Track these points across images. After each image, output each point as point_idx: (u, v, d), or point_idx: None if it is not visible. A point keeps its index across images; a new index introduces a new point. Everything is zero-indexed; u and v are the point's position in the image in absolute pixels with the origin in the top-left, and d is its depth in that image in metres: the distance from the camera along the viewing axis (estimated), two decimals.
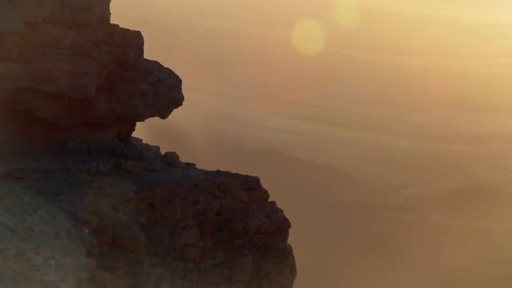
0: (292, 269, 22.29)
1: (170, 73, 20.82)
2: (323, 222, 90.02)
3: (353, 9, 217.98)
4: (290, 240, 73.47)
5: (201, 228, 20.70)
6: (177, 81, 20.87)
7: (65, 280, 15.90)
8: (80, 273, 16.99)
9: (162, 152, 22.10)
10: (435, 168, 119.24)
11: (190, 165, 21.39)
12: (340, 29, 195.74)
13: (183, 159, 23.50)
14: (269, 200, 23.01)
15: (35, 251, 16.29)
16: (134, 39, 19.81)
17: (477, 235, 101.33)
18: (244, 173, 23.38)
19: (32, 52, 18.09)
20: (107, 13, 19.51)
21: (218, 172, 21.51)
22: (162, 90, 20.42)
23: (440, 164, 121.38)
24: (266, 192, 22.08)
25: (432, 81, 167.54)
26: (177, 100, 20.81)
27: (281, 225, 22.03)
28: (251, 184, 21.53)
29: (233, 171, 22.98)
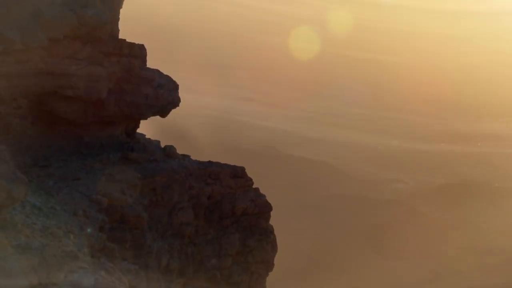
0: (273, 246, 23.55)
1: (169, 79, 22.13)
2: (319, 215, 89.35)
3: (346, 16, 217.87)
4: (287, 230, 74.40)
5: (195, 209, 21.90)
6: (175, 86, 22.17)
7: (81, 250, 16.94)
8: (94, 245, 18.13)
9: (162, 145, 23.10)
10: (424, 165, 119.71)
11: (185, 156, 22.54)
12: (333, 34, 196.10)
13: (193, 157, 24.16)
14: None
15: (57, 226, 17.24)
16: (138, 51, 21.16)
17: (465, 227, 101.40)
18: (246, 169, 24.16)
19: (55, 63, 19.18)
20: (116, 30, 20.92)
21: (209, 162, 22.74)
22: (162, 94, 21.68)
23: (429, 161, 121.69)
24: (250, 179, 23.30)
25: (422, 84, 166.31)
26: (174, 102, 22.18)
27: (264, 208, 23.27)
28: (238, 173, 22.85)
29: None
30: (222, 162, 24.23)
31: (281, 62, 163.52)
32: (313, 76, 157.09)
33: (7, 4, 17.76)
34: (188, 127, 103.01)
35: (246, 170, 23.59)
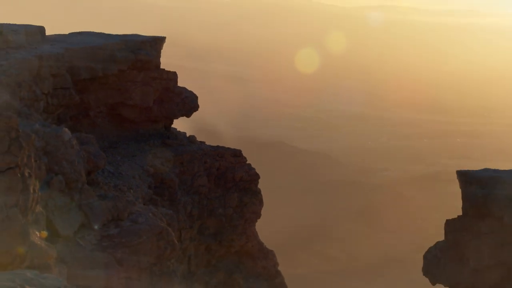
0: (260, 202, 25.14)
1: (191, 93, 24.41)
2: (319, 195, 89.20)
3: (340, 36, 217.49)
4: (292, 207, 77.68)
5: (208, 176, 23.85)
6: (195, 97, 24.43)
7: (138, 200, 19.36)
8: (145, 197, 20.35)
9: (188, 135, 24.74)
10: (409, 156, 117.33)
11: (202, 142, 24.32)
12: (330, 51, 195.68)
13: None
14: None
15: (123, 184, 19.75)
16: (172, 76, 23.53)
17: (443, 208, 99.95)
18: (259, 159, 26.02)
19: (122, 84, 22.22)
20: (159, 63, 23.05)
21: (218, 146, 24.49)
22: (187, 103, 24.13)
23: (413, 154, 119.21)
24: (245, 158, 24.81)
25: (406, 90, 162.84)
26: (195, 108, 24.41)
27: (254, 177, 25.00)
28: (237, 153, 24.67)
29: (251, 158, 25.32)
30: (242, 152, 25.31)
31: (288, 74, 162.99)
32: (315, 85, 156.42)
33: (95, 51, 20.82)
34: (216, 125, 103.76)
35: (259, 160, 22.91)
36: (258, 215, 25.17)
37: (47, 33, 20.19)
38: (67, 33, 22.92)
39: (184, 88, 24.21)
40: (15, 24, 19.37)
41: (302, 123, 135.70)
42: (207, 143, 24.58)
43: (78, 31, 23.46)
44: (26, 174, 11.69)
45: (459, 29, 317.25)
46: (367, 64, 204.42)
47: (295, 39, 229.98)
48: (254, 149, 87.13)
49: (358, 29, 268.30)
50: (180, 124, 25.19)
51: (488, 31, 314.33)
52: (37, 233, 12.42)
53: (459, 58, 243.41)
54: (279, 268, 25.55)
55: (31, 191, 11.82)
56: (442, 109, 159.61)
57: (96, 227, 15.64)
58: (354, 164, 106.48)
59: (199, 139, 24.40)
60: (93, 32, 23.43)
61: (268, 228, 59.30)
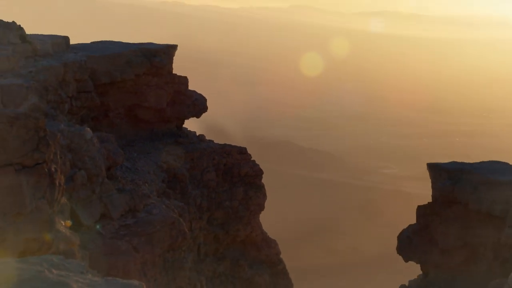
0: (264, 195, 25.34)
1: (201, 96, 24.70)
2: (323, 191, 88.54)
3: (343, 42, 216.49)
4: (298, 203, 77.10)
5: (216, 171, 24.14)
6: (205, 100, 24.70)
7: (152, 193, 19.68)
8: (158, 190, 20.76)
9: (197, 134, 24.93)
10: (409, 155, 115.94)
11: (210, 141, 24.61)
12: (333, 56, 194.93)
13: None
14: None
15: (139, 179, 19.91)
16: (183, 80, 23.82)
17: None
18: (266, 157, 26.77)
19: (138, 88, 22.55)
20: (171, 68, 23.49)
21: (225, 144, 24.87)
22: (197, 104, 24.33)
23: (413, 153, 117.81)
24: (250, 155, 25.05)
25: (406, 92, 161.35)
26: (204, 109, 24.62)
27: (258, 172, 25.25)
28: (242, 151, 25.00)
29: (258, 157, 25.75)
30: (250, 150, 25.41)
31: (293, 77, 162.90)
32: (319, 87, 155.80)
33: (114, 58, 21.25)
34: (225, 125, 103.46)
35: (267, 158, 23.96)
36: (261, 207, 25.53)
37: (71, 42, 21.38)
38: (89, 42, 23.40)
39: (194, 91, 24.65)
40: (42, 35, 20.10)
41: (307, 123, 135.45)
42: (217, 142, 24.80)
43: (98, 40, 23.98)
44: (53, 169, 12.09)
45: (458, 34, 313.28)
46: (368, 68, 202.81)
47: (300, 44, 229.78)
48: (262, 148, 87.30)
49: (360, 34, 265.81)
50: (190, 124, 25.38)
51: (487, 36, 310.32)
52: (62, 222, 12.83)
53: (458, 61, 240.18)
54: (287, 260, 26.19)
55: (57, 184, 12.24)
56: (442, 110, 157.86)
57: (115, 217, 16.09)
58: (356, 162, 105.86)
59: (209, 138, 24.81)
60: (112, 41, 23.78)
61: (275, 222, 59.41)
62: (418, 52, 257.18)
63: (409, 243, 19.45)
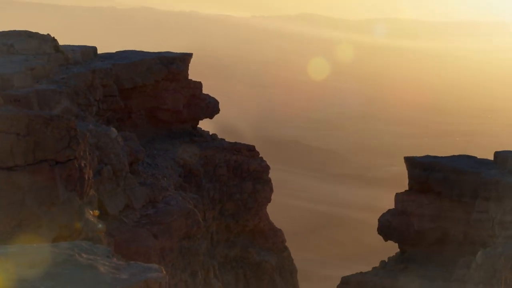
0: (271, 189, 25.85)
1: (214, 99, 25.44)
2: (329, 187, 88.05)
3: (348, 48, 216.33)
4: (306, 198, 76.44)
5: (227, 167, 24.56)
6: (217, 102, 25.48)
7: (170, 186, 20.14)
8: (175, 184, 21.22)
9: (210, 133, 25.55)
10: (411, 153, 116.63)
11: (222, 139, 25.23)
12: (339, 61, 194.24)
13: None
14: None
15: (158, 173, 20.37)
16: (198, 85, 24.56)
17: None
18: (276, 156, 26.16)
19: (157, 92, 23.25)
20: (187, 74, 24.20)
21: (235, 142, 25.37)
22: (210, 107, 25.11)
23: (414, 152, 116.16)
24: (258, 152, 25.53)
25: (408, 93, 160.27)
26: (216, 111, 25.47)
27: (265, 168, 25.67)
28: (251, 148, 25.53)
29: (268, 155, 25.76)
30: (260, 149, 25.65)
31: (302, 82, 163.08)
32: (325, 90, 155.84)
33: (136, 66, 21.89)
34: (238, 125, 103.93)
35: (276, 156, 23.54)
36: (268, 200, 26.07)
37: (99, 51, 22.36)
38: (114, 51, 24.19)
39: (208, 95, 25.40)
40: (73, 45, 21.15)
41: (314, 124, 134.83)
42: (228, 141, 25.08)
43: (122, 49, 24.64)
44: (82, 165, 12.53)
45: (459, 39, 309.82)
46: (372, 71, 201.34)
47: (308, 50, 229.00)
48: (272, 147, 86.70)
49: (365, 40, 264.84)
50: (205, 125, 25.89)
51: (487, 38, 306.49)
52: (90, 212, 13.23)
53: (458, 63, 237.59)
54: (294, 251, 26.64)
55: (86, 178, 12.69)
56: (442, 110, 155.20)
57: (137, 207, 16.54)
58: (360, 160, 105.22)
59: (221, 137, 25.36)
60: (134, 50, 24.43)
61: (284, 216, 59.80)
62: (419, 56, 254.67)
63: (389, 225, 20.50)
